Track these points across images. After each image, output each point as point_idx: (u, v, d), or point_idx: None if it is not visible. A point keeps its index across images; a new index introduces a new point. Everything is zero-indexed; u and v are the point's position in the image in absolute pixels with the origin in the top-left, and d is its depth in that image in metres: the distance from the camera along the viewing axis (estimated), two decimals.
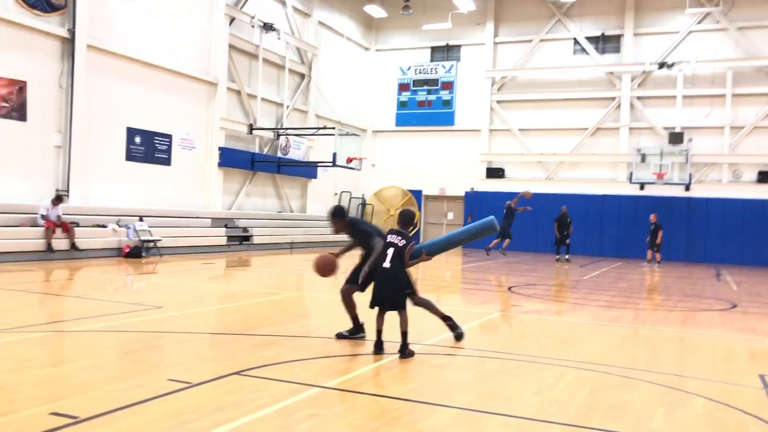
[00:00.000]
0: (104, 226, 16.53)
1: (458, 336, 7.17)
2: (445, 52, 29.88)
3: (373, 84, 30.75)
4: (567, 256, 21.58)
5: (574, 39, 27.76)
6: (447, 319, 7.19)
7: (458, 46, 29.63)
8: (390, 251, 6.41)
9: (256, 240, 21.94)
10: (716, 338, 8.56)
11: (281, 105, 24.90)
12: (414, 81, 30.19)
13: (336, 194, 28.71)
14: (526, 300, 11.77)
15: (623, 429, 4.49)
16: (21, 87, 15.51)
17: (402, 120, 30.44)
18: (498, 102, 28.80)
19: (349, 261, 7.27)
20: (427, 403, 4.83)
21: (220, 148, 21.53)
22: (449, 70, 29.65)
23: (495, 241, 21.02)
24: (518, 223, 21.72)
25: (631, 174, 25.53)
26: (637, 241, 24.31)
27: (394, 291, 6.37)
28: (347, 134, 24.04)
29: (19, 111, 15.49)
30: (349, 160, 23.67)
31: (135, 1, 18.43)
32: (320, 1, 26.84)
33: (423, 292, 12.36)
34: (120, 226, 16.68)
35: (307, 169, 25.75)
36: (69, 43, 16.45)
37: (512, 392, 5.30)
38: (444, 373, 5.92)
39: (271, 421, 4.29)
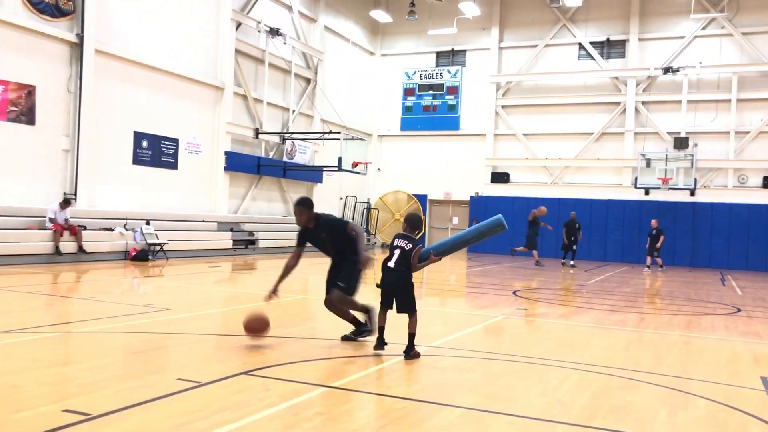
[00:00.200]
0: (111, 230, 16.64)
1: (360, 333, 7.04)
2: (450, 57, 29.99)
3: (379, 89, 30.87)
4: (572, 262, 21.59)
5: (579, 44, 27.83)
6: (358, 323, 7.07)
7: (463, 51, 29.73)
8: (396, 253, 6.47)
9: (261, 244, 22.03)
10: (720, 342, 8.59)
11: (287, 109, 25.03)
12: (419, 86, 30.29)
13: (341, 198, 28.81)
14: (530, 303, 11.81)
15: (627, 429, 4.54)
16: (30, 91, 15.66)
17: (407, 125, 30.53)
18: (503, 107, 28.87)
19: (318, 270, 7.33)
20: (432, 403, 4.89)
21: (227, 153, 21.65)
22: (454, 75, 29.74)
23: (522, 248, 20.93)
24: (523, 227, 21.77)
25: (636, 179, 25.54)
26: (641, 246, 24.29)
27: (405, 296, 6.42)
28: (353, 139, 24.14)
29: (27, 115, 15.63)
30: (355, 165, 23.76)
31: (142, 6, 18.59)
32: (326, 6, 26.98)
33: (429, 296, 12.42)
34: (127, 230, 16.79)
35: (312, 174, 25.85)
36: (77, 47, 16.60)
37: (517, 393, 5.36)
38: (449, 374, 5.98)
39: (279, 420, 4.35)
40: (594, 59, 27.49)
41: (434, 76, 30.08)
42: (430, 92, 30.13)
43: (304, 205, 6.85)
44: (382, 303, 6.47)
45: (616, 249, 26.44)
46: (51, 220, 14.93)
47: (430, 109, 30.15)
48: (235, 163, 22.03)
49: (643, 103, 26.82)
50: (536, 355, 6.90)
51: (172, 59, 19.61)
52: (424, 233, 29.63)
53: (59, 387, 5.00)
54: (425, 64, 30.36)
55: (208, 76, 21.05)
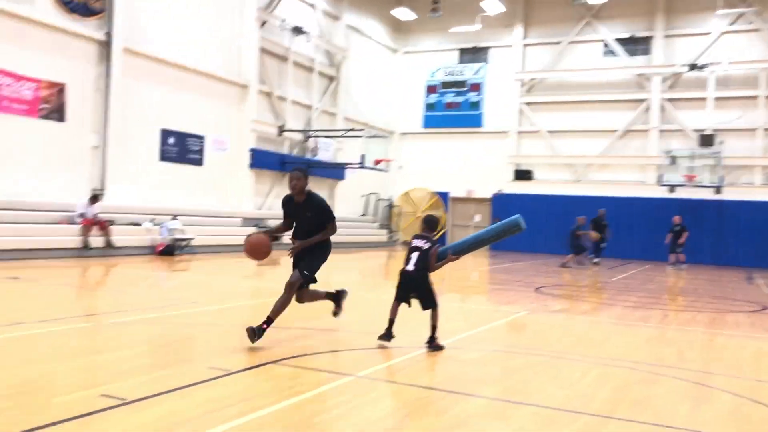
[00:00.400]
0: (138, 225, 16.94)
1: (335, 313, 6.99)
2: (473, 54, 29.97)
3: (401, 86, 30.94)
4: (597, 260, 21.26)
5: (604, 41, 27.66)
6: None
7: (486, 48, 29.69)
8: (414, 255, 6.56)
9: (285, 240, 22.13)
10: (744, 338, 8.57)
11: (310, 107, 25.21)
12: (442, 83, 30.31)
13: (363, 196, 28.95)
14: (553, 300, 11.84)
15: (649, 422, 4.60)
16: (60, 89, 15.99)
17: (429, 122, 30.58)
18: (527, 104, 28.80)
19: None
20: (455, 393, 4.99)
21: (251, 150, 21.89)
22: (477, 72, 29.72)
23: (572, 257, 20.56)
24: (546, 225, 21.72)
25: (660, 176, 25.34)
26: (665, 244, 24.10)
27: (425, 293, 6.53)
28: (375, 136, 24.26)
29: (58, 112, 15.97)
30: (377, 162, 23.87)
31: (169, 5, 18.87)
32: (349, 4, 27.12)
33: (451, 292, 12.51)
34: (154, 225, 17.08)
35: (335, 171, 26.02)
36: (106, 46, 16.91)
37: (539, 386, 5.44)
38: (471, 366, 6.07)
39: (307, 407, 4.48)
40: (618, 56, 27.30)
41: (457, 74, 30.08)
42: (453, 89, 30.14)
43: (302, 172, 6.51)
44: (397, 297, 6.58)
45: (639, 247, 26.24)
46: (80, 215, 15.24)
47: (452, 107, 30.16)
48: (260, 160, 22.27)
49: (668, 100, 26.58)
50: (558, 350, 6.96)
51: (198, 57, 19.88)
52: (446, 231, 29.68)
53: (94, 374, 5.18)
54: (448, 61, 30.37)
55: (233, 74, 21.30)
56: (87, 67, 16.65)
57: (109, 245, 15.48)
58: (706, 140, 25.18)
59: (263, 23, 22.42)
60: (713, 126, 25.50)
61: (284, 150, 23.92)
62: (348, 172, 26.71)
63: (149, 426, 3.88)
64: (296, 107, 24.44)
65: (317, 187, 25.79)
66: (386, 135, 27.12)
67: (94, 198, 15.67)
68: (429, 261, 6.53)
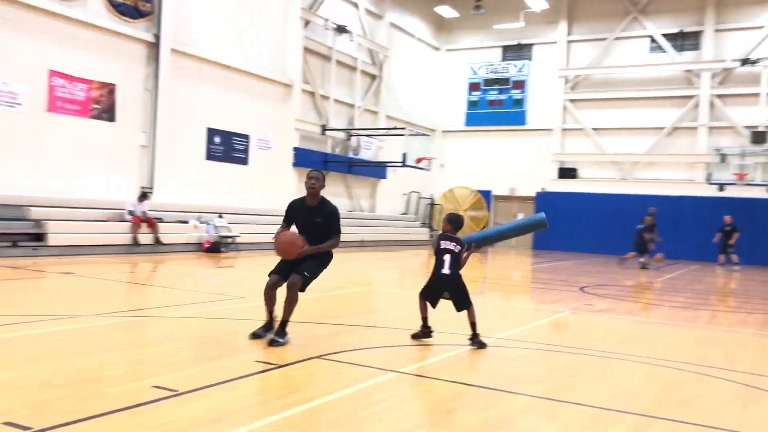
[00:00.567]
0: (186, 222, 17.31)
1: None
2: (516, 51, 29.72)
3: (444, 84, 30.87)
4: (643, 259, 20.72)
5: (651, 36, 27.12)
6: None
7: (530, 45, 29.41)
8: (447, 258, 6.55)
9: None
10: None
11: (353, 106, 25.36)
12: (485, 80, 30.14)
13: (405, 194, 28.99)
14: (597, 299, 11.69)
15: (696, 422, 4.53)
16: (111, 89, 16.44)
17: (472, 120, 30.44)
18: (571, 101, 28.43)
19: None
20: (499, 390, 4.99)
21: (295, 149, 22.14)
22: (521, 69, 29.46)
23: (642, 260, 20.07)
24: (590, 224, 21.40)
25: (709, 175, 24.74)
26: (715, 244, 23.53)
27: (460, 296, 6.55)
28: (417, 134, 24.26)
29: (108, 112, 16.42)
30: (419, 160, 23.88)
31: (215, 7, 19.21)
32: (392, 2, 27.18)
33: (493, 291, 12.46)
34: (200, 223, 17.43)
35: (377, 170, 26.12)
36: (154, 47, 17.32)
37: (584, 384, 5.40)
38: (515, 364, 6.06)
39: (350, 401, 4.54)
40: (666, 52, 26.75)
41: (500, 71, 29.88)
42: (496, 87, 29.95)
43: (322, 174, 6.46)
44: (427, 296, 6.59)
45: (687, 247, 25.66)
46: (130, 212, 15.64)
47: (495, 104, 29.97)
48: (303, 158, 22.50)
49: (718, 96, 25.93)
50: (603, 350, 6.89)
51: (243, 58, 20.19)
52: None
53: (145, 366, 5.34)
54: (491, 58, 30.18)
55: (278, 73, 21.57)
56: (136, 68, 17.07)
57: (157, 242, 15.85)
58: (759, 137, 24.47)
59: (307, 23, 22.64)
60: (766, 122, 24.76)
61: (327, 149, 24.11)
62: (390, 171, 26.78)
63: (198, 417, 4.00)
64: (339, 106, 24.62)
65: (359, 185, 25.98)
66: (428, 133, 27.09)
67: (143, 196, 16.06)
68: (461, 263, 6.55)
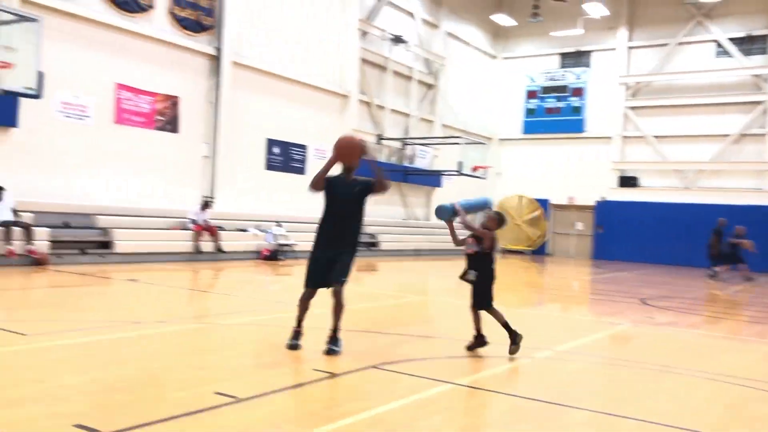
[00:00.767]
0: (245, 230, 17.66)
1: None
2: (575, 58, 29.28)
3: (500, 92, 30.65)
4: (715, 271, 19.83)
5: (716, 41, 26.31)
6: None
7: (589, 52, 28.92)
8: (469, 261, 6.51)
9: (383, 246, 22.52)
10: None
11: (408, 115, 25.43)
12: (543, 88, 29.80)
13: None
14: (659, 312, 11.38)
15: None
16: (174, 102, 16.96)
17: (529, 128, 30.11)
18: (631, 108, 27.81)
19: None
20: (558, 404, 4.92)
21: None
22: (579, 76, 29.01)
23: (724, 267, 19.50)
24: (652, 234, 20.84)
25: None
26: None
27: (477, 293, 6.50)
28: (473, 143, 24.15)
29: (172, 124, 16.94)
30: (475, 169, 23.77)
31: (275, 20, 19.60)
32: (448, 11, 27.18)
33: (552, 302, 12.28)
34: (259, 231, 17.76)
35: (432, 178, 26.10)
36: (216, 60, 17.78)
37: (645, 399, 5.27)
38: (574, 377, 5.96)
39: (406, 412, 4.56)
40: (732, 56, 25.89)
41: (558, 78, 29.49)
42: (554, 94, 29.56)
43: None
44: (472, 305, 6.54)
45: (756, 258, 24.65)
46: (192, 221, 16.07)
47: (553, 112, 29.58)
48: (359, 168, 22.61)
49: None
50: (665, 364, 6.70)
51: (302, 69, 20.53)
52: (546, 240, 29.13)
53: (207, 372, 5.48)
54: (549, 65, 29.82)
55: (335, 84, 21.83)
56: (198, 81, 17.57)
57: (218, 250, 16.22)
58: None
59: (364, 34, 22.86)
60: None
61: (382, 158, 24.24)
62: (445, 180, 26.72)
63: (259, 423, 4.08)
64: (394, 115, 24.73)
65: (414, 193, 26.02)
66: (484, 142, 26.93)
67: (205, 205, 16.48)
68: (486, 262, 6.45)
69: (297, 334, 6.41)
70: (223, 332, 7.38)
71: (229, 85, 18.00)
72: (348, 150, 6.43)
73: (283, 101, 19.95)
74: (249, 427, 3.99)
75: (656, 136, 27.18)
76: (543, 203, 29.26)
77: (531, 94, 30.08)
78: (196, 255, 15.76)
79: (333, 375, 5.33)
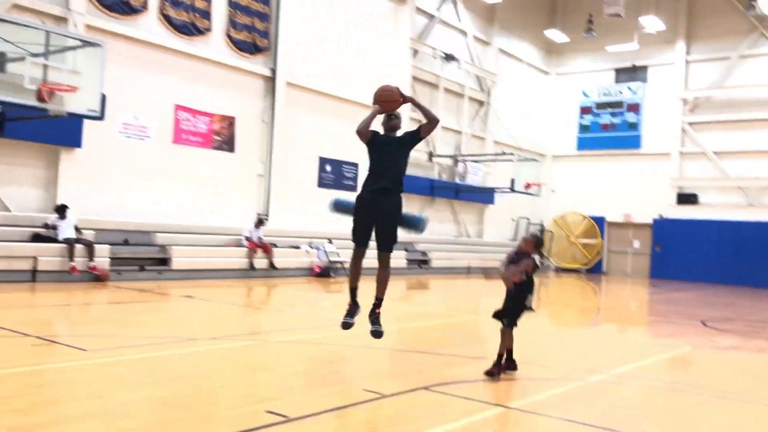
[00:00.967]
0: (297, 248, 17.87)
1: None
2: (630, 73, 28.75)
3: (553, 108, 30.32)
4: None
5: None
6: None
7: (645, 67, 28.36)
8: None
9: (434, 264, 22.44)
10: None
11: (460, 132, 25.38)
12: (597, 104, 29.34)
13: (513, 220, 28.55)
14: (722, 335, 10.98)
15: None
16: (231, 122, 17.36)
17: (584, 144, 29.66)
18: (690, 124, 27.10)
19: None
20: (612, 430, 4.79)
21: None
22: (635, 91, 28.46)
23: None
24: (713, 252, 20.19)
25: None
26: None
27: (512, 310, 6.40)
28: (525, 159, 23.92)
29: (228, 143, 17.33)
30: (528, 186, 23.52)
31: (327, 40, 19.89)
32: (501, 28, 27.11)
33: (608, 322, 11.96)
34: (311, 248, 17.94)
35: (484, 195, 25.93)
36: (270, 81, 18.15)
37: (706, 426, 5.08)
38: (631, 402, 5.79)
39: None
40: None
41: (613, 94, 29.00)
42: (609, 110, 29.07)
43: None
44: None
45: None
46: (246, 238, 16.35)
47: (608, 128, 29.07)
48: (410, 185, 22.37)
49: None
50: (727, 390, 6.46)
51: (353, 88, 20.74)
52: (601, 258, 28.56)
53: (259, 390, 5.55)
54: (603, 81, 29.37)
55: None
56: (254, 101, 17.95)
57: (271, 267, 16.45)
58: None
59: (416, 53, 22.98)
60: None
61: (434, 175, 24.23)
62: (498, 197, 26.51)
63: None
64: (446, 132, 24.71)
65: (466, 210, 25.87)
66: (537, 158, 26.64)
67: (260, 222, 16.75)
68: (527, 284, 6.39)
69: (353, 309, 6.27)
70: (275, 349, 7.47)
71: (283, 105, 18.33)
72: (387, 95, 6.48)
73: (335, 119, 20.18)
74: None
75: (716, 152, 26.38)
76: (598, 221, 28.70)
77: (585, 110, 29.66)
78: (249, 272, 16.01)
79: (383, 396, 5.32)
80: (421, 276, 21.15)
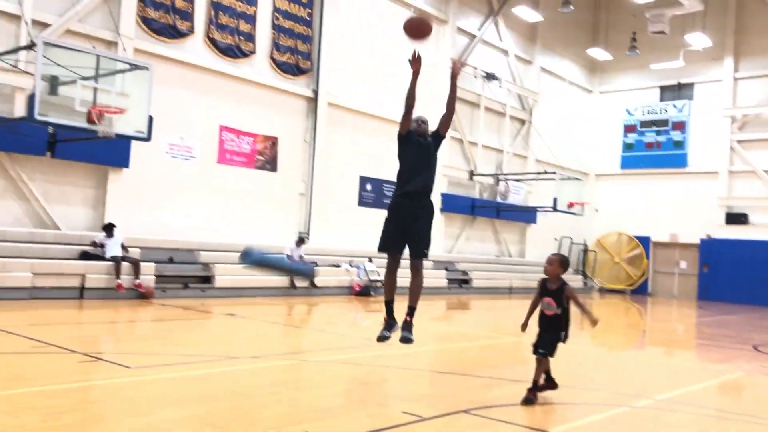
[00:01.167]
0: (338, 266, 17.94)
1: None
2: (676, 90, 28.25)
3: (596, 127, 29.94)
4: None
5: None
6: None
7: (691, 84, 27.83)
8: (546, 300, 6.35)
9: (475, 283, 22.25)
10: None
11: (501, 151, 25.25)
12: (641, 122, 28.87)
13: (556, 239, 28.17)
14: None
15: None
16: (273, 142, 17.62)
17: (628, 162, 29.17)
18: (738, 141, 26.44)
19: None
20: None
21: (442, 194, 22.33)
22: (681, 109, 27.93)
23: None
24: (765, 274, 19.56)
25: None
26: None
27: (550, 339, 6.30)
28: (568, 178, 23.64)
29: (271, 163, 17.58)
30: (570, 205, 23.22)
31: (368, 61, 20.07)
32: (542, 47, 26.97)
33: (654, 345, 11.66)
34: (352, 266, 17.99)
35: (526, 214, 25.68)
36: (312, 101, 18.39)
37: None
38: (678, 430, 5.62)
39: None
40: None
41: (658, 112, 28.51)
42: (654, 128, 28.58)
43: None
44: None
45: None
46: (288, 256, 16.47)
47: (653, 146, 28.56)
48: (450, 204, 22.64)
49: None
50: None
51: (394, 108, 20.83)
52: (646, 278, 27.95)
53: (298, 410, 5.55)
54: (648, 99, 28.91)
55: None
56: (296, 121, 18.19)
57: (312, 285, 16.54)
58: None
59: None
60: None
61: (475, 194, 24.11)
62: (540, 216, 26.22)
63: None
64: (487, 151, 24.61)
65: (507, 230, 25.65)
66: (580, 177, 26.30)
67: (301, 241, 16.88)
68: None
69: (389, 324, 6.21)
70: (314, 369, 7.48)
71: (325, 125, 18.53)
72: (417, 24, 6.40)
73: (375, 139, 20.30)
74: None
75: (767, 171, 25.66)
76: (644, 241, 28.11)
77: (629, 129, 29.22)
78: (290, 290, 16.12)
79: (422, 419, 5.27)
80: (461, 296, 20.99)
